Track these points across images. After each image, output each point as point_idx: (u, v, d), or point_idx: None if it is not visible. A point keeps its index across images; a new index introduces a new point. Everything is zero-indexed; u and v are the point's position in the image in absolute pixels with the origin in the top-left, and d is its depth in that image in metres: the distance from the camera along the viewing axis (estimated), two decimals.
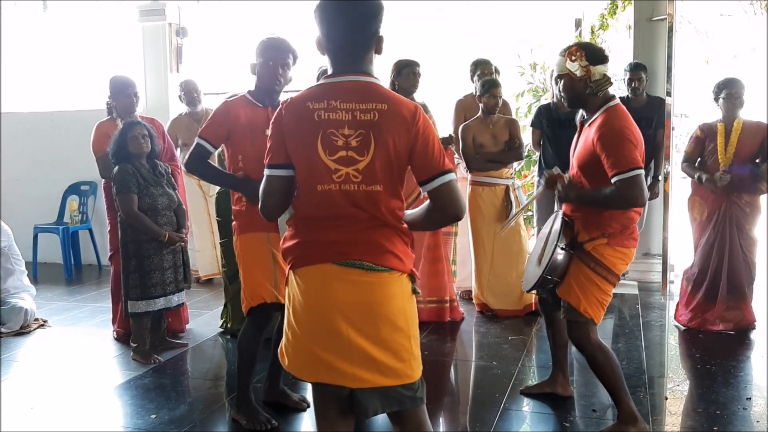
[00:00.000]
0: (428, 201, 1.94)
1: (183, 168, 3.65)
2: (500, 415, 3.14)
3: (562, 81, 2.78)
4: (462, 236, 4.98)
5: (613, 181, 2.61)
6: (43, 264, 6.54)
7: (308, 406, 3.24)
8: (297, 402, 3.25)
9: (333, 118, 1.83)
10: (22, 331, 4.54)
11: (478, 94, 4.71)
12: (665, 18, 5.44)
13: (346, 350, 1.82)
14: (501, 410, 3.18)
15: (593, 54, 2.71)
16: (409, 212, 1.99)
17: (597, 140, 2.65)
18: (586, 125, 2.80)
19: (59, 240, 6.39)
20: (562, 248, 2.79)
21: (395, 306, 1.86)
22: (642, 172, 2.61)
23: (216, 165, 3.06)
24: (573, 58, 2.70)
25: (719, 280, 4.27)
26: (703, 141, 4.32)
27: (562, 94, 2.83)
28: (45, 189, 6.80)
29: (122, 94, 4.24)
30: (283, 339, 1.96)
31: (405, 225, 1.93)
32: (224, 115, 2.92)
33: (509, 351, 4.02)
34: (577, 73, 2.70)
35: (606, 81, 2.72)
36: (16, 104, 7.10)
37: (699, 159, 4.36)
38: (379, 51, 1.92)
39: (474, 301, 4.92)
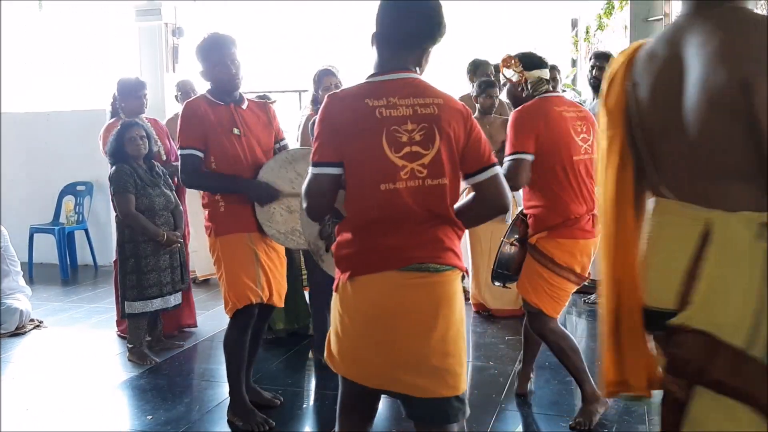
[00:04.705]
0: (471, 196, 1.93)
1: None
2: (497, 416, 3.14)
3: (506, 87, 3.06)
4: None
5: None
6: (39, 264, 6.51)
7: (280, 403, 3.24)
8: (269, 400, 3.24)
9: (395, 115, 1.81)
10: (18, 332, 4.53)
11: (474, 94, 4.72)
12: (661, 18, 5.45)
13: (412, 360, 1.80)
14: (498, 411, 3.19)
15: (529, 61, 2.95)
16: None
17: None
18: None
19: (55, 240, 6.36)
20: (512, 243, 2.95)
21: (457, 305, 1.85)
22: (523, 157, 2.75)
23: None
24: (507, 65, 2.95)
25: None
26: None
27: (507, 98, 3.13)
28: (40, 189, 6.76)
29: (133, 95, 4.26)
30: (334, 344, 1.90)
31: (459, 220, 1.89)
32: (195, 117, 2.84)
33: (506, 351, 4.02)
34: (513, 79, 2.95)
35: (542, 82, 2.93)
36: (12, 104, 7.08)
37: None
38: (421, 63, 1.91)
39: (471, 300, 4.91)
